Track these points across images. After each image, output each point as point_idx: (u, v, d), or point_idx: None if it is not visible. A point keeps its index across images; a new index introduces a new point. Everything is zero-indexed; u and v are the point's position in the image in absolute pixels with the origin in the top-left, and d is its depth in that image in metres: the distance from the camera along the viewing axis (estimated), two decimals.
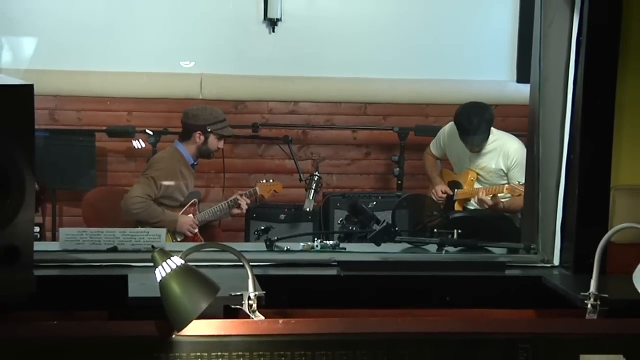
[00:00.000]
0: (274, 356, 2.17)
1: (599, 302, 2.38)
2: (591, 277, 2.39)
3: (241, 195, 5.29)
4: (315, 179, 5.46)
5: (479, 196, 5.10)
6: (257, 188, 5.38)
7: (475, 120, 5.14)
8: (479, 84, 6.29)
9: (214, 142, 5.18)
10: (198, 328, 2.15)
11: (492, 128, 5.21)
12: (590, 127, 2.74)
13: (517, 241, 3.17)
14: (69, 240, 2.81)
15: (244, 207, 5.31)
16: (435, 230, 3.35)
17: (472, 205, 5.30)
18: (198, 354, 2.15)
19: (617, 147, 2.74)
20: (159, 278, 2.12)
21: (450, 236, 3.16)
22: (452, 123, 5.32)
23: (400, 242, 3.18)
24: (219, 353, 2.16)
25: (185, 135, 5.20)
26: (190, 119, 5.17)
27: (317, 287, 2.72)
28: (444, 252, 3.11)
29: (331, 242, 3.10)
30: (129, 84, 6.38)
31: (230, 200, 5.28)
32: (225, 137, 5.30)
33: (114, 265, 2.71)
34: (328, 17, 6.44)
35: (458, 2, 6.58)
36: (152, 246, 2.24)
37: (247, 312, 2.25)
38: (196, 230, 5.10)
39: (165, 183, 5.02)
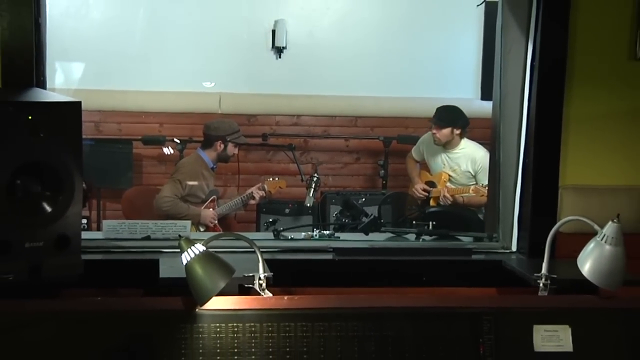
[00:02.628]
0: (280, 327, 2.16)
1: (549, 282, 2.38)
2: (543, 261, 2.39)
3: (258, 188, 5.30)
4: (315, 179, 5.44)
5: (441, 195, 5.14)
6: (265, 185, 5.38)
7: (450, 108, 5.25)
8: (450, 101, 6.24)
9: (231, 149, 5.21)
10: (217, 303, 2.15)
11: (464, 138, 5.23)
12: (542, 137, 2.74)
13: (481, 231, 3.16)
14: (110, 230, 2.80)
15: (257, 197, 5.31)
16: (414, 222, 3.37)
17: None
18: (217, 324, 2.15)
19: (564, 153, 2.73)
20: (184, 262, 2.12)
21: (426, 227, 3.16)
22: (430, 132, 5.34)
23: (385, 232, 3.17)
24: (235, 324, 2.15)
25: (207, 143, 5.21)
26: (212, 130, 5.19)
27: (316, 270, 2.71)
28: (421, 240, 3.11)
29: (328, 232, 3.09)
30: (160, 100, 6.37)
31: (244, 196, 5.29)
32: (239, 144, 5.30)
33: (147, 251, 2.70)
34: (325, 46, 6.44)
35: (433, 34, 6.59)
36: (179, 235, 2.23)
37: (258, 290, 2.24)
38: (216, 222, 5.10)
39: (190, 183, 5.03)
